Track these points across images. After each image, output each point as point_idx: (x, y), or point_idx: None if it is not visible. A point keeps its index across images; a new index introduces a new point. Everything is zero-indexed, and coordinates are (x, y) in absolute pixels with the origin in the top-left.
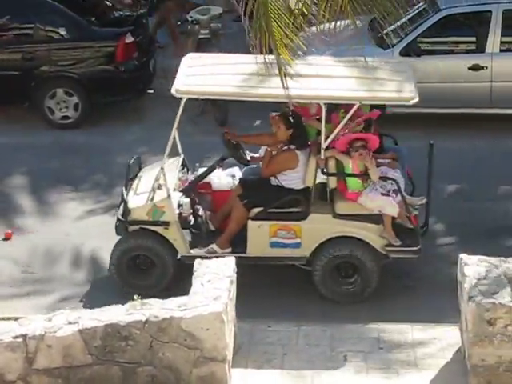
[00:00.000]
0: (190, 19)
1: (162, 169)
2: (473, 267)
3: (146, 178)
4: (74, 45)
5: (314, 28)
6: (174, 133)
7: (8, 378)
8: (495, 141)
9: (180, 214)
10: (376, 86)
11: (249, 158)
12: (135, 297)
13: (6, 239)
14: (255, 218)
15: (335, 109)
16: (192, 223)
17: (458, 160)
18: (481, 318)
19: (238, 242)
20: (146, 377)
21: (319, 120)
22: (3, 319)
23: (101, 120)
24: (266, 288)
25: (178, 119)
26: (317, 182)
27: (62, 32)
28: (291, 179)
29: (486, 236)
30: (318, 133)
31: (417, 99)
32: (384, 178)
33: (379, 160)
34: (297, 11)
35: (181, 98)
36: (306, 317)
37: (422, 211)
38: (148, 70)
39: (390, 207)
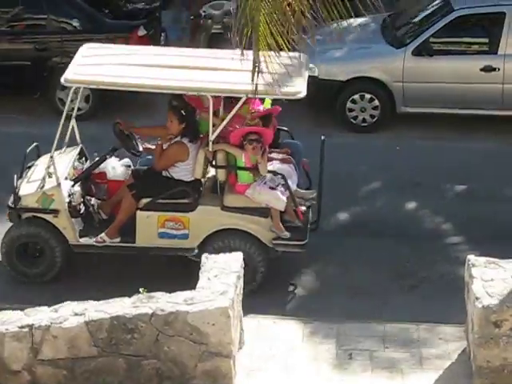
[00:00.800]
0: (203, 14)
1: (51, 157)
2: (480, 269)
3: (41, 166)
4: (87, 36)
5: (327, 26)
6: (73, 123)
7: (13, 367)
8: (506, 142)
9: (70, 202)
10: (262, 80)
11: (141, 149)
12: (141, 290)
13: None
14: (144, 209)
15: (233, 101)
16: (82, 212)
17: (468, 160)
18: (487, 320)
19: (126, 232)
20: (150, 370)
21: (215, 113)
22: (10, 309)
23: (111, 112)
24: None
25: (67, 108)
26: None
27: (75, 23)
28: (181, 171)
29: (494, 237)
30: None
31: (303, 94)
32: (274, 173)
33: (273, 155)
34: (296, 8)
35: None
36: (312, 313)
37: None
38: None
39: (277, 201)
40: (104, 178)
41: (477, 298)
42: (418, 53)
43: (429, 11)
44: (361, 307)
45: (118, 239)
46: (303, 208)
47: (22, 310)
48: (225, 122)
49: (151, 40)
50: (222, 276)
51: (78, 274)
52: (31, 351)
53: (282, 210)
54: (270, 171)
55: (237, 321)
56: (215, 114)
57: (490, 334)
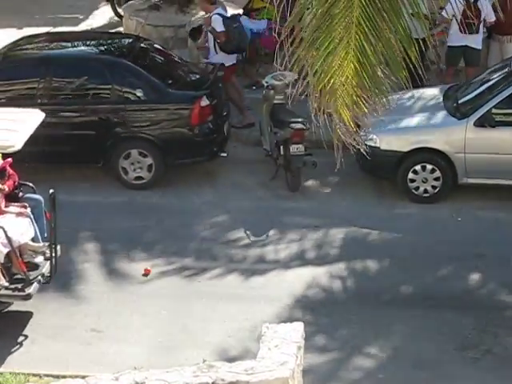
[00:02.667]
0: (265, 84)
1: None
2: None
3: None
4: (150, 106)
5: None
6: None
7: None
8: None
9: None
10: None
11: None
12: (202, 359)
13: (145, 275)
14: None
15: None
16: None
17: None
18: None
19: None
20: None
21: None
22: (70, 377)
23: (173, 182)
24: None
25: None
26: None
27: (139, 93)
28: None
29: None
30: None
31: (16, 148)
32: None
33: (10, 208)
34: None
35: None
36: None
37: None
38: (222, 133)
39: None
40: None
41: None
42: (480, 124)
43: (492, 82)
44: (423, 378)
45: None
46: (38, 260)
47: (82, 377)
48: None
49: (213, 110)
50: (282, 346)
51: None
52: None
53: (1, 261)
54: None
55: None
56: None
57: None
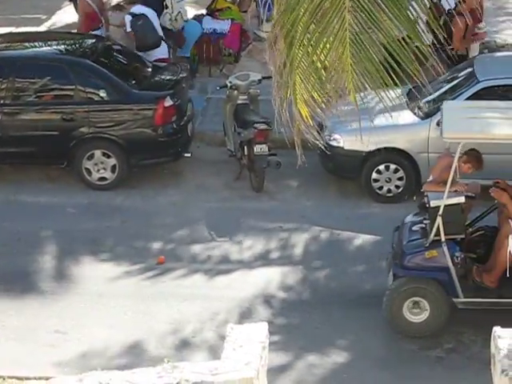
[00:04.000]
0: (229, 84)
1: None
2: (507, 340)
3: None
4: (113, 107)
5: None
6: None
7: None
8: None
9: None
10: None
11: None
12: (166, 360)
13: (159, 263)
14: None
15: None
16: None
17: None
18: None
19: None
20: None
21: None
22: (34, 378)
23: (137, 182)
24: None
25: None
26: None
27: (102, 94)
28: None
29: None
30: None
31: None
32: None
33: None
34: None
35: None
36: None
37: None
38: (186, 133)
39: None
40: None
41: (503, 370)
42: None
43: (455, 82)
44: (388, 378)
45: None
46: None
47: (46, 379)
48: None
49: (177, 110)
50: (246, 346)
51: None
52: None
53: None
54: None
55: None
56: None
57: None
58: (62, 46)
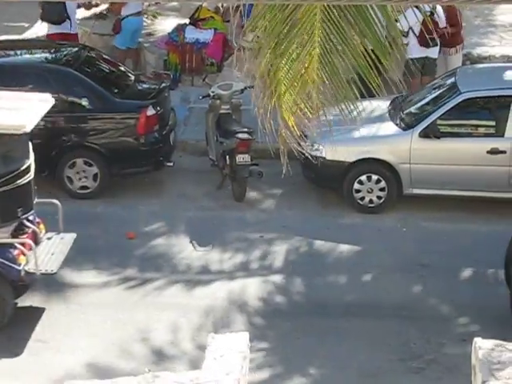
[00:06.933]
0: (211, 94)
1: None
2: (487, 351)
3: None
4: (96, 115)
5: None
6: None
7: None
8: None
9: None
10: None
11: None
12: (147, 369)
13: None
14: None
15: None
16: None
17: (474, 243)
18: None
19: None
20: None
21: None
22: None
23: (119, 191)
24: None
25: None
26: None
27: (84, 102)
28: None
29: (502, 320)
30: None
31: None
32: None
33: None
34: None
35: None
36: None
37: None
38: (168, 142)
39: None
40: None
41: (483, 382)
42: (425, 135)
43: (436, 94)
44: None
45: None
46: None
47: None
48: None
49: (159, 120)
50: (227, 356)
51: None
52: None
53: None
54: None
55: None
56: None
57: None
58: (45, 55)
